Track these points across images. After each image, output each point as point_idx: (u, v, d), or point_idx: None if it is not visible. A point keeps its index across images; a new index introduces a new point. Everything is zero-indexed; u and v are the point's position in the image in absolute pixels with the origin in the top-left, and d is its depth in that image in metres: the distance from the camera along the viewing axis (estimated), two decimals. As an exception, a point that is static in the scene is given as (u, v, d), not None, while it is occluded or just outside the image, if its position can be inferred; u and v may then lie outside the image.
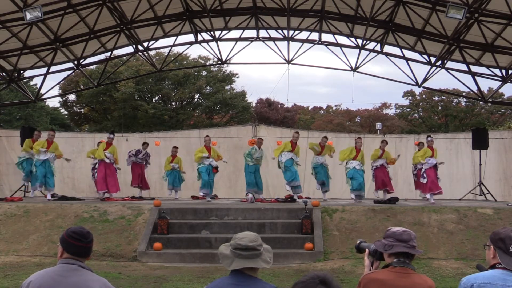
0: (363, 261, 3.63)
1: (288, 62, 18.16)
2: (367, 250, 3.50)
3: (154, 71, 20.59)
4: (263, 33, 18.16)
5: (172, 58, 25.18)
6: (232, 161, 17.72)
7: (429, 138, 15.58)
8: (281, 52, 18.18)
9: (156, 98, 37.23)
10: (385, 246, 3.32)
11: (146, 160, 16.93)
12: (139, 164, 16.73)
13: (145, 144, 17.02)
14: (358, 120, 45.05)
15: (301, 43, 18.17)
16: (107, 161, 15.18)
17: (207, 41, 18.20)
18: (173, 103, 37.54)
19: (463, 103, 39.99)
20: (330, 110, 48.97)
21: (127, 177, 17.00)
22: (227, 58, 18.39)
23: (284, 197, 15.37)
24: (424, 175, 14.94)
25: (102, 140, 16.04)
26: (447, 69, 17.14)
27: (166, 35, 17.84)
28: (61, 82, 27.88)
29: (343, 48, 18.19)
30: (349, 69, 18.04)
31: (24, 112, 33.97)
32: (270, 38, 18.25)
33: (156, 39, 17.87)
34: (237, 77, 38.53)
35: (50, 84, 62.90)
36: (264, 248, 3.02)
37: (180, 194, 16.72)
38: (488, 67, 16.78)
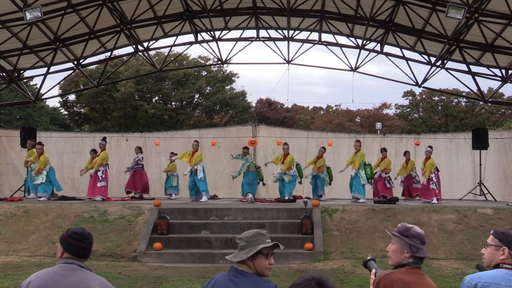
0: (363, 261, 3.62)
1: (288, 62, 18.15)
2: (374, 270, 3.42)
3: (154, 71, 20.58)
4: (263, 33, 18.16)
5: (172, 58, 25.18)
6: (232, 161, 17.70)
7: (428, 149, 15.52)
8: (281, 52, 18.20)
9: (156, 98, 37.24)
10: (412, 248, 3.23)
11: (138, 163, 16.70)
12: (140, 170, 16.68)
13: (137, 148, 16.90)
14: (358, 120, 45.07)
15: (301, 43, 18.17)
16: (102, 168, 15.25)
17: (207, 41, 18.20)
18: (173, 103, 37.55)
19: (463, 103, 40.00)
20: (330, 110, 48.98)
21: (127, 177, 17.01)
22: (227, 58, 18.38)
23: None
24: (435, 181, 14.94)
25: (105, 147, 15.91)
26: (447, 69, 17.14)
27: (166, 35, 17.83)
28: (61, 82, 27.87)
29: (343, 48, 18.19)
30: (349, 69, 18.04)
31: (24, 112, 33.97)
32: (270, 38, 18.24)
33: (156, 39, 17.87)
34: (237, 77, 38.61)
35: (50, 84, 62.95)
36: (243, 245, 3.10)
37: (180, 195, 16.71)
38: (488, 67, 16.78)
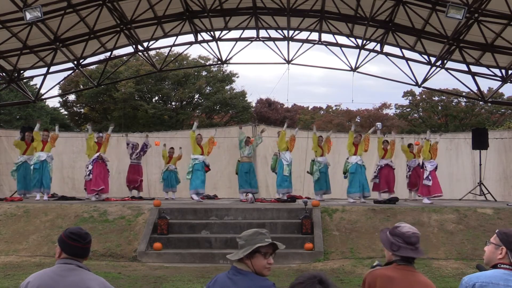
0: (370, 267, 3.64)
1: (288, 62, 18.16)
2: None
3: (154, 71, 20.58)
4: (263, 33, 18.17)
5: (172, 58, 25.17)
6: (232, 161, 17.69)
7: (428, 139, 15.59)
8: (281, 52, 18.21)
9: (156, 98, 37.23)
10: (392, 246, 3.34)
11: (144, 150, 16.87)
12: (135, 166, 16.69)
13: (147, 137, 17.16)
14: (358, 120, 45.02)
15: (301, 43, 18.17)
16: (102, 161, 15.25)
17: (207, 41, 18.21)
18: (173, 103, 37.54)
19: (463, 103, 39.97)
20: (330, 110, 48.96)
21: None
22: (227, 58, 18.39)
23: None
24: (430, 177, 14.82)
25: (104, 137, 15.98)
26: (447, 69, 17.14)
27: (166, 35, 17.84)
28: (61, 82, 27.86)
29: (343, 48, 18.20)
30: (349, 69, 18.05)
31: (24, 112, 33.95)
32: (270, 38, 18.25)
33: (156, 39, 17.87)
34: (237, 77, 38.60)
35: (50, 84, 62.98)
36: (242, 243, 3.13)
37: (179, 194, 16.70)
38: (488, 67, 16.79)
